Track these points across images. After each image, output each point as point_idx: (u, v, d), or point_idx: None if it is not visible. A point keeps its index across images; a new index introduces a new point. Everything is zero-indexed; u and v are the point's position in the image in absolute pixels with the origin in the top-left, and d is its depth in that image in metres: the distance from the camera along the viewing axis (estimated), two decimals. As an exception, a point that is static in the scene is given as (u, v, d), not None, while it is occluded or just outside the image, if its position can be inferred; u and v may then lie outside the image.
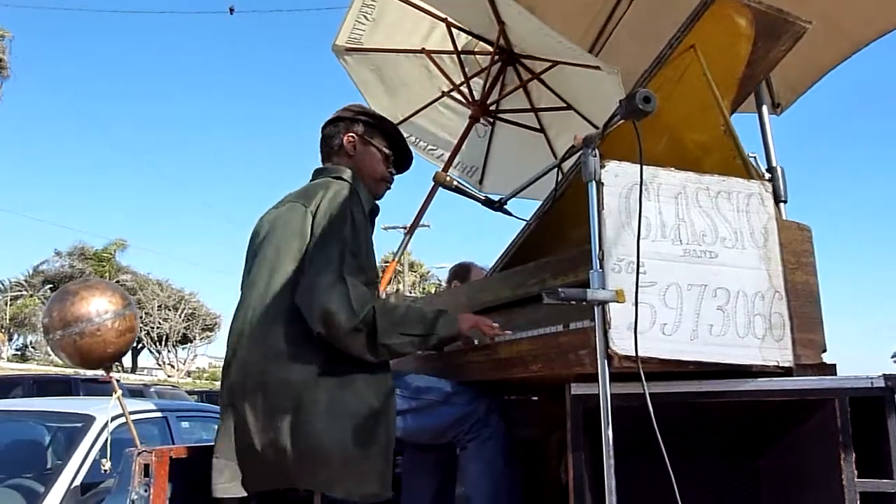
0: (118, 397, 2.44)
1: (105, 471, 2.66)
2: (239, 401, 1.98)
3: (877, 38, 3.44)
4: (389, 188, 2.34)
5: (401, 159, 2.37)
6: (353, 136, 2.27)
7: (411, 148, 2.49)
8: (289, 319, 1.97)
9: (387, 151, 2.29)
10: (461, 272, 4.01)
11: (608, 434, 1.59)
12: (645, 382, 1.58)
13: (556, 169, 2.12)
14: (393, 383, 2.09)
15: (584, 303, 1.64)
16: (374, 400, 1.99)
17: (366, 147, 2.28)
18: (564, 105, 4.07)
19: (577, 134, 1.81)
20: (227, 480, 1.99)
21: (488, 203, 2.32)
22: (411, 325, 2.04)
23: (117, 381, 2.75)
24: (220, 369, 2.17)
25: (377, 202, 2.30)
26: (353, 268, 1.97)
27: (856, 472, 1.71)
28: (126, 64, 67.55)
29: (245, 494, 1.99)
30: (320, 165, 2.32)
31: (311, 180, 2.25)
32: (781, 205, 2.44)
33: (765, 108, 2.87)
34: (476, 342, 2.20)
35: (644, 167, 1.74)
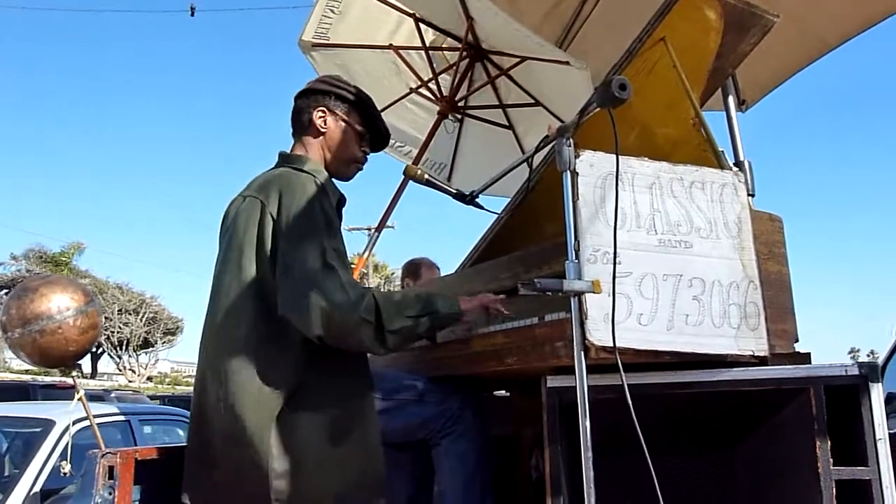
0: (81, 398, 2.35)
1: (64, 474, 2.58)
2: (200, 428, 1.85)
3: (847, 40, 3.46)
4: (361, 169, 2.15)
5: (375, 137, 2.17)
6: (323, 111, 2.06)
7: None
8: (245, 341, 1.81)
9: (360, 129, 2.09)
10: (412, 269, 4.01)
11: (586, 425, 1.56)
12: (623, 373, 1.56)
13: (527, 162, 2.10)
14: (370, 396, 1.96)
15: (561, 293, 1.62)
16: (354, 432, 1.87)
17: (337, 124, 2.07)
18: (533, 101, 4.06)
19: (550, 124, 1.79)
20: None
21: (460, 196, 2.28)
22: (411, 306, 1.86)
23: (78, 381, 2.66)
24: (182, 374, 2.06)
25: (347, 182, 2.13)
26: (339, 262, 1.81)
27: (831, 460, 1.72)
28: (85, 64, 66.24)
29: None
30: (288, 147, 2.13)
31: (275, 165, 2.08)
32: (749, 198, 2.45)
33: (731, 102, 2.87)
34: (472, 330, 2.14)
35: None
